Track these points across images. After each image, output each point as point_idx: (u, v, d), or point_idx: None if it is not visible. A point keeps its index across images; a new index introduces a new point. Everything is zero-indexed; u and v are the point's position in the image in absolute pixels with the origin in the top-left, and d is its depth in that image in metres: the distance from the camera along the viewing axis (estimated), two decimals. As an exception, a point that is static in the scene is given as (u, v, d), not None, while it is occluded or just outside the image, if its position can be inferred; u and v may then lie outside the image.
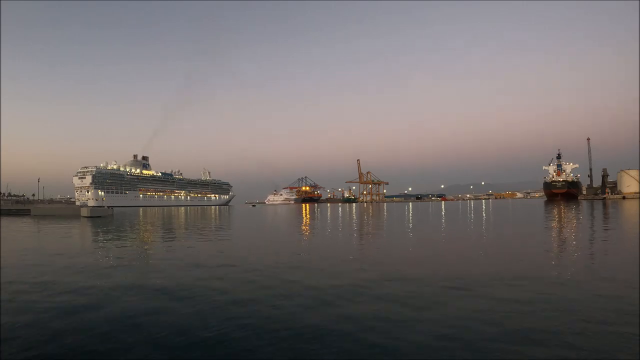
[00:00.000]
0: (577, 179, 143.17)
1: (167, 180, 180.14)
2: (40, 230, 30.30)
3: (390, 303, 7.37)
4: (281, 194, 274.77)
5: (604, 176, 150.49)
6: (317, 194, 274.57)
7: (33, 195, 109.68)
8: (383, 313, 6.75)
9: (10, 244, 19.45)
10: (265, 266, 11.70)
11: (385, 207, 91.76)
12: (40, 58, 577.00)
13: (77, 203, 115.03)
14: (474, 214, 47.17)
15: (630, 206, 59.12)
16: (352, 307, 7.15)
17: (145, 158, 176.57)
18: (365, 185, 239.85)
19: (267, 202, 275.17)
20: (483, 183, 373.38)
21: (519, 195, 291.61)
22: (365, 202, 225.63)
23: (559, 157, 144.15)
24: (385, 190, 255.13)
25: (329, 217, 46.56)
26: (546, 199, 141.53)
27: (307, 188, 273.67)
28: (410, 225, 30.26)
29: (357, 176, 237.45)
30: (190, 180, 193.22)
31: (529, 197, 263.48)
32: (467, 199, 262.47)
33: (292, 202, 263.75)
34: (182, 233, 25.43)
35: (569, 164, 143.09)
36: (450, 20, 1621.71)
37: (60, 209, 63.09)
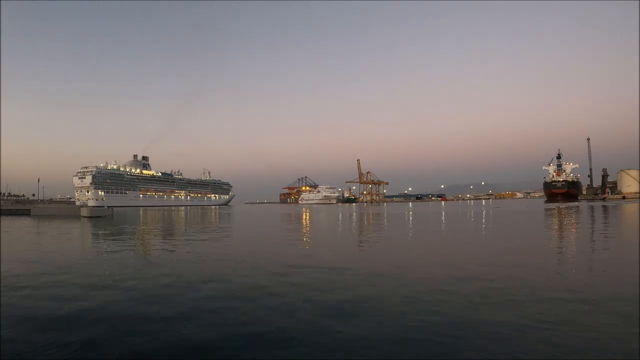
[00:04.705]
0: (577, 179, 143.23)
1: (167, 180, 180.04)
2: (41, 230, 30.30)
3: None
4: (319, 191, 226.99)
5: (604, 176, 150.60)
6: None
7: (33, 195, 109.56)
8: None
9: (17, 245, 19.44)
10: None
11: (385, 207, 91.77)
12: (40, 58, 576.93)
13: (77, 203, 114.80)
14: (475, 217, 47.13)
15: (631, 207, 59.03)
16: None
17: (145, 158, 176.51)
18: (365, 185, 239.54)
19: (300, 202, 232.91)
20: (483, 183, 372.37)
21: (519, 195, 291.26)
22: (365, 202, 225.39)
23: (559, 157, 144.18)
24: (385, 190, 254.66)
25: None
26: (546, 199, 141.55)
27: (307, 188, 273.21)
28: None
29: (357, 176, 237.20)
30: (190, 180, 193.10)
31: (529, 197, 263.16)
32: (467, 199, 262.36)
33: (334, 201, 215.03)
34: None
35: (569, 164, 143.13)
36: (450, 19, 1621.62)
37: (60, 209, 62.99)
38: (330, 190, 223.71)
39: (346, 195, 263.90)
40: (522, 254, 13.58)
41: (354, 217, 44.95)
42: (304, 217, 48.41)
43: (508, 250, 15.05)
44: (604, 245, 16.30)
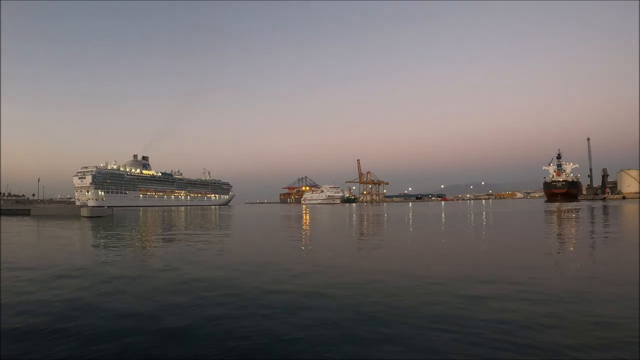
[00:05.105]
0: (577, 179, 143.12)
1: (167, 180, 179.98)
2: (40, 231, 30.29)
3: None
4: (322, 191, 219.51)
5: (604, 176, 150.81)
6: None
7: (33, 195, 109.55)
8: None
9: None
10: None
11: (385, 208, 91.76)
12: (40, 58, 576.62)
13: (77, 203, 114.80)
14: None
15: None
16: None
17: (145, 158, 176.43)
18: (365, 185, 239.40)
19: (303, 202, 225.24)
20: (483, 183, 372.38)
21: (519, 195, 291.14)
22: (365, 202, 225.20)
23: (559, 157, 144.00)
24: (385, 190, 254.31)
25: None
26: (546, 199, 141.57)
27: (307, 188, 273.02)
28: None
29: (357, 176, 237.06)
30: (190, 180, 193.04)
31: (529, 197, 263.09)
32: (467, 199, 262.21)
33: (338, 201, 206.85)
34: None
35: (569, 164, 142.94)
36: (450, 19, 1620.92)
37: (60, 209, 62.99)
38: (334, 190, 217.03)
39: (346, 195, 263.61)
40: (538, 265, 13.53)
41: (379, 222, 44.80)
42: (309, 218, 48.35)
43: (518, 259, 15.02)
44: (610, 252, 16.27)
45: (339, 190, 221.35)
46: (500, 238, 20.40)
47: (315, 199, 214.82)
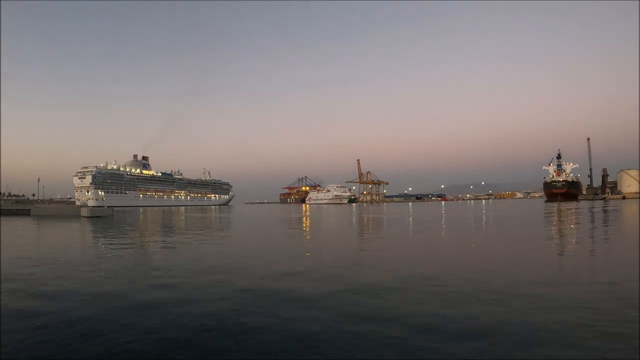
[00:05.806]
0: (577, 179, 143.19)
1: (167, 180, 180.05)
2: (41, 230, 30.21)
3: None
4: (328, 190, 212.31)
5: (604, 176, 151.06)
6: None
7: (33, 195, 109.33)
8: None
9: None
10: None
11: (386, 208, 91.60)
12: (40, 58, 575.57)
13: (77, 203, 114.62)
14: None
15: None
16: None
17: (145, 158, 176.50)
18: (365, 185, 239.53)
19: (308, 202, 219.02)
20: (483, 183, 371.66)
21: (519, 195, 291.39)
22: (365, 202, 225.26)
23: (559, 157, 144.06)
24: (385, 190, 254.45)
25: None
26: (546, 199, 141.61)
27: (307, 188, 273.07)
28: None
29: (357, 176, 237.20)
30: (190, 180, 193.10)
31: (529, 197, 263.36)
32: (467, 199, 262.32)
33: (346, 201, 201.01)
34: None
35: (569, 164, 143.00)
36: (450, 19, 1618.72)
37: (60, 209, 63.03)
38: (342, 190, 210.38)
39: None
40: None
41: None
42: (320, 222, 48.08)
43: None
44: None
45: (346, 189, 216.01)
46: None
47: (321, 199, 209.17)
